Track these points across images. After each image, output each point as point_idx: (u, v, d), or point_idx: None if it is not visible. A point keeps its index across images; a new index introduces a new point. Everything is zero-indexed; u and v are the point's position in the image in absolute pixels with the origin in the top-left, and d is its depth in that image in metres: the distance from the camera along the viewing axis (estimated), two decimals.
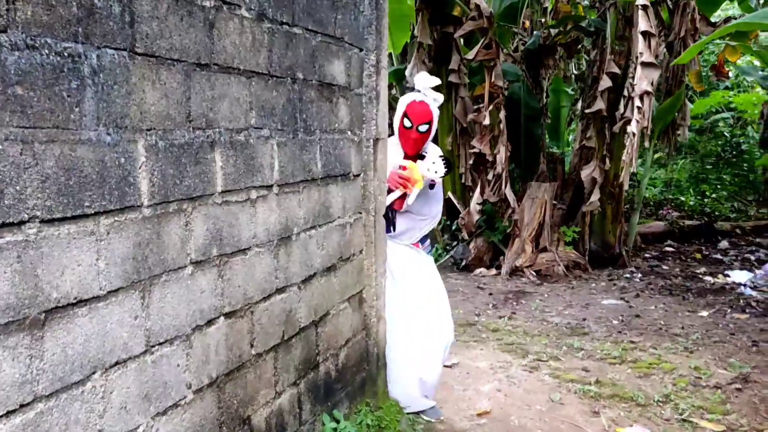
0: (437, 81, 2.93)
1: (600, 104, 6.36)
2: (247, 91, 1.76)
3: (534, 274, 6.47)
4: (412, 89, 3.00)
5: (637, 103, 5.00)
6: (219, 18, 1.63)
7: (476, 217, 6.71)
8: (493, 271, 6.66)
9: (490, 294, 5.83)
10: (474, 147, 6.45)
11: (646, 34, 4.98)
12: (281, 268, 1.97)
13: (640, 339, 4.51)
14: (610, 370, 3.88)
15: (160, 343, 1.47)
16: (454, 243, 7.06)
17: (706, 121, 11.38)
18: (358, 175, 2.50)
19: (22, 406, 1.12)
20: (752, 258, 7.17)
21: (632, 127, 5.09)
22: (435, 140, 7.07)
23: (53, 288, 1.18)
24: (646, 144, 6.21)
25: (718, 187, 10.44)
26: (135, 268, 1.38)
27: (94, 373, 1.28)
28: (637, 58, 5.10)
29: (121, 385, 1.35)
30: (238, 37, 1.71)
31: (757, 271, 6.21)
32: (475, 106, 6.75)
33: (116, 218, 1.33)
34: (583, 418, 3.23)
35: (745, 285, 5.91)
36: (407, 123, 2.86)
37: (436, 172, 2.79)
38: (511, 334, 4.60)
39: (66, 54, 1.20)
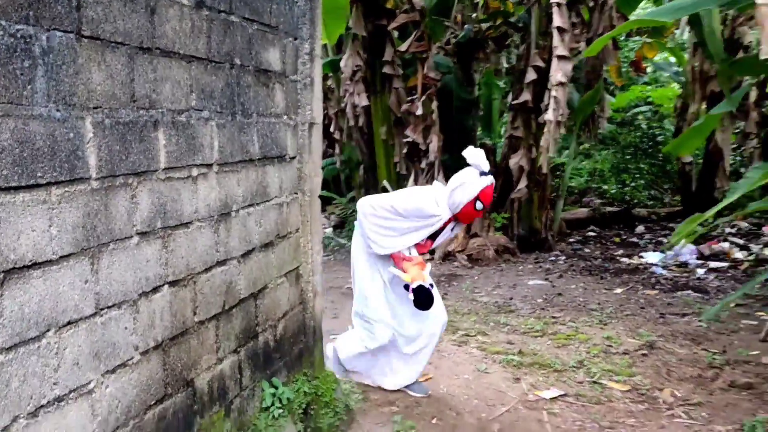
0: (485, 159, 3.05)
1: (526, 96, 6.71)
2: (188, 75, 1.87)
3: (466, 258, 6.77)
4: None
5: (553, 93, 5.35)
6: (159, 4, 1.74)
7: None
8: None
9: None
10: (408, 136, 6.68)
11: (560, 30, 5.32)
12: (221, 242, 2.10)
13: (560, 314, 4.85)
14: (532, 342, 4.18)
15: (109, 307, 1.58)
16: None
17: (626, 114, 12.04)
18: (294, 158, 2.64)
19: None
20: (665, 241, 7.72)
21: (548, 115, 5.44)
22: (369, 130, 7.28)
23: (11, 251, 1.28)
24: (563, 131, 6.58)
25: (637, 176, 11.09)
26: (85, 236, 1.49)
27: (48, 330, 1.38)
28: (553, 51, 5.44)
29: (73, 343, 1.46)
30: (178, 23, 1.82)
31: (668, 253, 6.72)
32: (409, 97, 6.97)
33: (66, 189, 1.43)
34: (505, 384, 3.50)
35: (656, 265, 6.39)
36: (479, 206, 3.02)
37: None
38: None
39: (19, 35, 1.29)
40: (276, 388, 2.45)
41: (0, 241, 1.26)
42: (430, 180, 6.86)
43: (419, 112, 6.46)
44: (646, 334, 4.29)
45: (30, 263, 1.33)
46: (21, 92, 1.30)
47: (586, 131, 7.73)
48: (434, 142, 6.66)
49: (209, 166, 2.01)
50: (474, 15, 8.57)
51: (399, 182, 7.24)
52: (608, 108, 7.38)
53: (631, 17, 7.07)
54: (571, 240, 7.93)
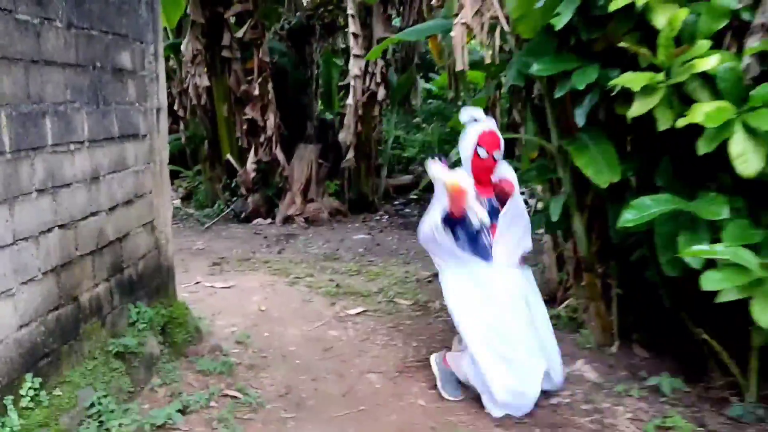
0: (481, 110, 3.04)
1: (352, 78, 7.76)
2: (63, 77, 2.61)
3: (303, 220, 7.75)
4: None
5: (351, 83, 6.53)
6: (43, 29, 2.47)
7: (252, 175, 7.76)
8: (269, 221, 7.81)
9: (265, 237, 6.99)
10: (247, 114, 7.46)
11: (354, 35, 6.49)
12: (93, 198, 2.86)
13: (375, 258, 6.02)
14: (349, 279, 5.28)
15: (21, 239, 2.33)
16: (234, 198, 8.05)
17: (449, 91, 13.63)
18: (145, 136, 3.41)
19: None
20: None
21: (349, 100, 6.66)
22: (212, 108, 7.94)
23: None
24: (378, 111, 7.76)
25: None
26: (4, 191, 2.23)
27: None
28: (352, 49, 6.62)
29: (1, 262, 2.21)
30: (55, 40, 2.55)
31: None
32: (248, 77, 7.72)
33: None
34: (323, 307, 4.56)
35: None
36: (482, 153, 2.88)
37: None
38: (278, 263, 5.80)
39: None
40: (139, 309, 3.27)
41: None
42: (269, 153, 7.71)
43: (256, 92, 7.26)
44: (436, 268, 5.56)
45: None
46: None
47: (404, 107, 9.00)
48: (271, 119, 7.51)
49: (82, 143, 2.76)
50: (306, 2, 9.44)
51: (241, 155, 7.98)
52: (420, 88, 8.67)
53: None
54: (395, 203, 9.21)
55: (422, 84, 9.97)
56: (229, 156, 7.89)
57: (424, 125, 13.89)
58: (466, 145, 2.96)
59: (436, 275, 5.31)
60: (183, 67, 7.97)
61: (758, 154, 2.33)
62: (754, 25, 2.47)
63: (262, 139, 7.54)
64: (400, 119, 11.95)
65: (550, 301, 4.34)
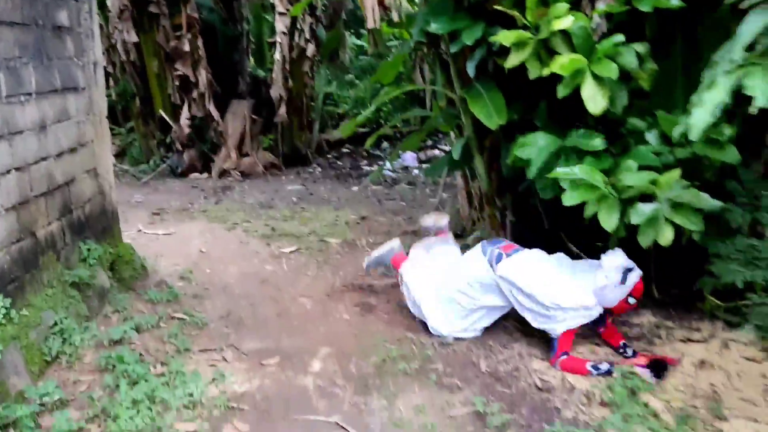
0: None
1: (279, 35, 8.02)
2: (12, 35, 2.90)
3: (239, 174, 8.07)
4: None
5: (278, 39, 6.85)
6: None
7: (187, 130, 7.98)
8: (205, 175, 8.09)
9: (202, 190, 7.30)
10: (178, 70, 7.64)
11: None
12: (43, 145, 3.18)
13: (308, 206, 6.48)
14: (284, 224, 5.72)
15: None
16: (169, 154, 8.27)
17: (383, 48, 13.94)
18: (84, 88, 3.70)
19: None
20: (400, 153, 9.79)
21: (276, 55, 7.01)
22: (142, 64, 8.04)
23: None
24: (309, 67, 8.09)
25: (392, 102, 13.15)
26: None
27: None
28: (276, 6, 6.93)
29: None
30: (4, 3, 2.83)
31: (397, 160, 8.72)
32: (176, 33, 7.83)
33: None
34: (260, 248, 5.00)
35: (387, 170, 8.34)
36: (632, 301, 3.03)
37: None
38: (216, 212, 6.17)
39: None
40: (89, 247, 3.63)
41: None
42: (202, 109, 7.92)
43: (187, 48, 7.44)
44: (364, 212, 6.10)
45: None
46: None
47: (337, 64, 9.33)
48: (203, 75, 7.71)
49: (30, 94, 3.06)
50: None
51: (174, 111, 8.15)
52: (349, 44, 9.00)
53: None
54: (328, 156, 9.62)
55: (353, 40, 10.28)
56: (161, 112, 8.07)
57: (357, 81, 14.26)
58: (618, 288, 2.99)
59: (363, 218, 5.85)
60: (110, 22, 8.00)
61: (603, 96, 2.91)
62: None
63: (195, 95, 7.75)
64: (333, 75, 12.26)
65: (462, 233, 4.95)
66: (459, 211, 5.29)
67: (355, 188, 7.42)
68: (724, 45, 2.70)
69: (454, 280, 3.41)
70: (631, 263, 3.01)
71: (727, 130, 2.89)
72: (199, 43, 7.60)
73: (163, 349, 3.21)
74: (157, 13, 7.59)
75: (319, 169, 8.66)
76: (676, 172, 2.84)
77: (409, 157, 8.66)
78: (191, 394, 2.73)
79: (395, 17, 4.08)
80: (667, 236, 2.79)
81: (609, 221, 2.85)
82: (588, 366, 2.99)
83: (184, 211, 6.23)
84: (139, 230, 5.40)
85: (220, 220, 5.85)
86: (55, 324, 3.04)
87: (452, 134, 5.21)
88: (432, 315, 3.44)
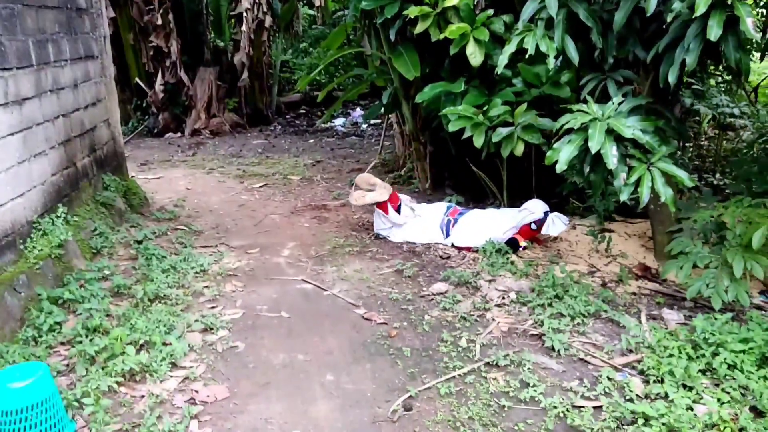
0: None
1: (241, 7, 9.05)
2: (53, 16, 3.99)
3: (209, 133, 9.16)
4: None
5: (244, 13, 7.92)
6: None
7: (161, 95, 8.99)
8: (179, 134, 9.15)
9: (179, 146, 8.39)
10: (152, 41, 8.63)
11: None
12: (76, 99, 4.30)
13: (272, 154, 7.66)
14: (252, 168, 6.91)
15: (46, 121, 3.80)
16: (146, 117, 9.29)
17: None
18: (97, 57, 4.80)
19: None
20: (350, 112, 10.99)
21: (243, 27, 8.08)
22: (117, 37, 8.97)
23: None
24: (267, 37, 9.16)
25: (341, 67, 14.25)
26: (36, 89, 3.67)
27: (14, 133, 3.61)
28: None
29: (39, 133, 3.69)
30: None
31: (348, 118, 9.92)
32: (147, 8, 8.78)
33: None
34: (235, 185, 6.20)
35: (339, 125, 9.55)
36: (534, 227, 4.16)
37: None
38: (194, 162, 7.31)
39: None
40: (109, 177, 4.78)
41: None
42: (174, 76, 8.94)
43: (159, 22, 8.42)
44: (319, 157, 7.32)
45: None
46: None
47: (291, 33, 10.41)
48: (174, 46, 8.71)
49: (66, 60, 4.18)
50: None
51: (149, 78, 9.13)
52: (301, 14, 10.06)
53: None
54: (287, 116, 10.76)
55: (306, 10, 11.34)
56: (137, 80, 9.05)
57: (311, 49, 15.31)
58: (524, 219, 4.20)
59: (318, 161, 7.09)
60: None
61: (480, 53, 4.19)
62: None
63: (167, 63, 8.76)
64: (288, 44, 13.29)
65: (397, 167, 6.25)
66: (396, 149, 6.57)
67: (311, 140, 8.62)
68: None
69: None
70: (544, 206, 4.27)
71: (565, 76, 4.22)
72: (170, 17, 8.58)
73: (174, 247, 4.42)
74: None
75: (279, 127, 9.80)
76: (524, 106, 4.15)
77: (357, 114, 9.87)
78: (202, 266, 3.96)
79: None
80: (519, 149, 4.11)
81: (479, 140, 4.15)
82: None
83: (167, 162, 7.34)
84: (132, 176, 6.50)
85: (198, 167, 7.00)
86: (95, 229, 4.21)
87: (387, 88, 6.45)
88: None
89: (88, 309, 3.23)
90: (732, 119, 5.97)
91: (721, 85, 6.75)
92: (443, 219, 4.52)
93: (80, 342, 2.93)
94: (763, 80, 7.44)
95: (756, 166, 4.29)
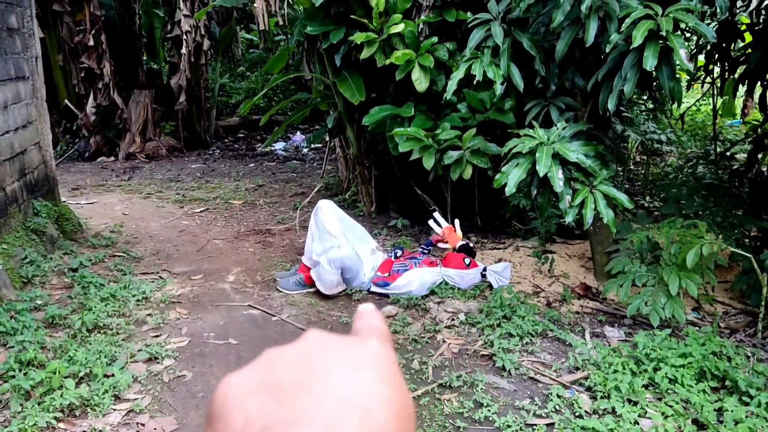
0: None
1: (177, 30, 8.91)
2: None
3: (144, 157, 8.89)
4: None
5: (183, 36, 7.83)
6: None
7: (93, 118, 8.68)
8: (112, 158, 8.84)
9: (113, 170, 8.10)
10: (83, 63, 8.35)
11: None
12: (6, 121, 4.09)
13: (211, 179, 7.51)
14: (192, 192, 6.74)
15: None
16: (76, 140, 8.93)
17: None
18: (29, 77, 4.60)
19: None
20: (290, 137, 10.95)
21: (183, 50, 7.96)
22: (45, 58, 8.63)
23: None
24: (204, 60, 9.07)
25: (282, 92, 14.22)
26: None
27: None
28: (182, 10, 7.87)
29: None
30: None
31: (288, 142, 9.87)
32: (78, 29, 8.51)
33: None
34: (174, 210, 6.03)
35: (280, 149, 9.48)
36: (449, 247, 4.22)
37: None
38: (130, 186, 7.07)
39: None
40: (40, 203, 4.55)
41: None
42: (107, 98, 8.67)
43: (91, 43, 8.15)
44: (260, 182, 7.23)
45: None
46: None
47: (229, 57, 10.30)
48: (107, 67, 8.45)
49: None
50: None
51: (80, 101, 8.81)
52: (240, 39, 10.00)
53: None
54: (225, 140, 10.59)
55: (243, 35, 11.27)
56: (67, 101, 8.71)
57: (248, 73, 15.21)
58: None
59: (260, 185, 7.01)
60: None
61: (426, 79, 4.28)
62: (424, 5, 4.39)
63: (100, 85, 8.48)
64: (225, 68, 13.18)
65: (341, 191, 6.25)
66: (339, 173, 6.58)
67: (251, 165, 8.52)
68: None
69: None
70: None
71: (508, 103, 4.36)
72: (103, 38, 8.35)
73: (112, 274, 4.24)
74: (60, 10, 8.25)
75: (218, 151, 9.64)
76: (473, 131, 4.26)
77: (298, 139, 9.84)
78: (144, 293, 3.82)
79: (280, 21, 5.21)
80: (467, 172, 4.20)
81: (428, 162, 4.22)
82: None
83: (101, 186, 7.07)
84: (64, 201, 6.22)
85: (135, 191, 6.77)
86: (26, 257, 4.00)
87: (331, 112, 6.47)
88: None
89: (20, 341, 3.05)
90: (659, 145, 6.32)
91: (644, 114, 7.15)
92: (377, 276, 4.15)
93: (13, 376, 2.75)
94: (689, 107, 7.94)
95: (685, 190, 4.55)
